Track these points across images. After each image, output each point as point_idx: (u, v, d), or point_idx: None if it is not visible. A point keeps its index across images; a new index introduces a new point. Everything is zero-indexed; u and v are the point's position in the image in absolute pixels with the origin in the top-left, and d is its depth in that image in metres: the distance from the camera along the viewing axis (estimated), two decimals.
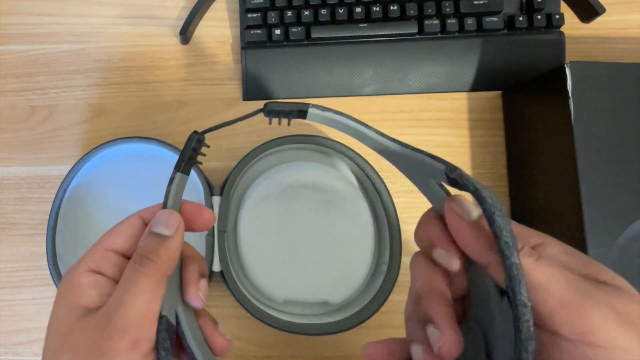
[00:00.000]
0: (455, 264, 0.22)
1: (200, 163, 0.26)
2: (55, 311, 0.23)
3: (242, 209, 0.45)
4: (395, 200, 0.44)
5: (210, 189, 0.44)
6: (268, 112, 0.25)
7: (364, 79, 0.48)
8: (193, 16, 0.48)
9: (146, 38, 0.51)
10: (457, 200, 0.21)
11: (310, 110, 0.25)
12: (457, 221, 0.21)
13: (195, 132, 0.26)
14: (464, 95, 0.48)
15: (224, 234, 0.43)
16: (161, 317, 0.22)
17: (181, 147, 0.46)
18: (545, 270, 0.19)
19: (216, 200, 0.44)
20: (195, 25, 0.50)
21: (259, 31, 0.48)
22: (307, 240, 0.44)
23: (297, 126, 0.49)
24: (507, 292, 0.18)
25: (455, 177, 0.20)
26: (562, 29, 0.47)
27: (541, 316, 0.18)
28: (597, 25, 0.48)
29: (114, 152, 0.45)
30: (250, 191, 0.45)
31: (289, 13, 0.47)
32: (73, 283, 0.23)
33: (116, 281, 0.23)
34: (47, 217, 0.44)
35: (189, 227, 0.26)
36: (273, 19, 0.47)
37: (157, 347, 0.22)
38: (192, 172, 0.44)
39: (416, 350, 0.22)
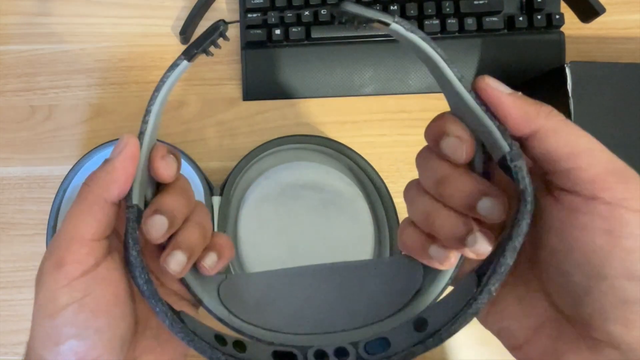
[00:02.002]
0: (465, 153, 0.21)
1: (212, 54, 0.23)
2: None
3: (242, 209, 0.45)
4: (395, 200, 0.44)
5: (210, 189, 0.44)
6: (342, 12, 0.21)
7: (364, 79, 0.48)
8: (193, 16, 0.48)
9: (146, 38, 0.51)
10: (489, 77, 0.22)
11: (393, 26, 0.22)
12: (498, 93, 0.21)
13: (223, 21, 0.21)
14: None
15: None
16: (130, 207, 0.22)
17: (181, 147, 0.46)
18: (593, 139, 0.19)
19: (216, 200, 0.44)
20: (195, 25, 0.50)
21: (259, 31, 0.48)
22: (307, 240, 0.44)
23: (297, 126, 0.49)
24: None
25: (510, 166, 0.19)
26: (562, 29, 0.47)
27: (582, 181, 0.19)
28: (597, 25, 0.48)
29: None
30: (250, 191, 0.45)
31: (289, 13, 0.47)
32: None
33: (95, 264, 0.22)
34: (47, 217, 0.44)
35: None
36: (273, 19, 0.47)
37: (125, 236, 0.21)
38: (192, 172, 0.44)
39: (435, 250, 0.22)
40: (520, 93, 0.20)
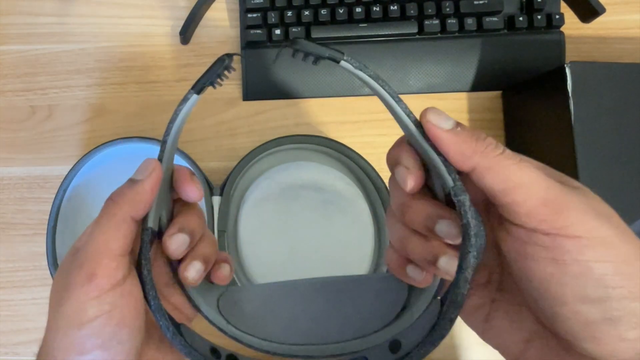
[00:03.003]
0: (410, 183, 0.22)
1: (220, 85, 0.24)
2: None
3: (242, 209, 0.45)
4: None
5: (210, 189, 0.44)
6: (296, 50, 0.22)
7: None
8: (193, 16, 0.48)
9: (146, 38, 0.51)
10: (433, 110, 0.22)
11: (343, 63, 0.23)
12: (437, 130, 0.21)
13: (227, 55, 0.23)
14: (464, 95, 0.48)
15: (224, 234, 0.43)
16: (145, 230, 0.23)
17: (181, 147, 0.46)
18: (527, 171, 0.19)
19: (216, 200, 0.44)
20: (195, 25, 0.50)
21: (259, 31, 0.48)
22: (307, 240, 0.44)
23: (297, 126, 0.49)
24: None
25: (454, 200, 0.20)
26: (562, 29, 0.47)
27: (519, 215, 0.19)
28: (597, 25, 0.48)
29: (114, 152, 0.45)
30: (250, 191, 0.45)
31: (289, 13, 0.47)
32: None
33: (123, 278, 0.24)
34: (47, 217, 0.44)
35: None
36: (273, 19, 0.47)
37: (139, 255, 0.23)
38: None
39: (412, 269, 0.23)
40: (459, 128, 0.21)
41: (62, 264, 0.23)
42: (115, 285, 0.21)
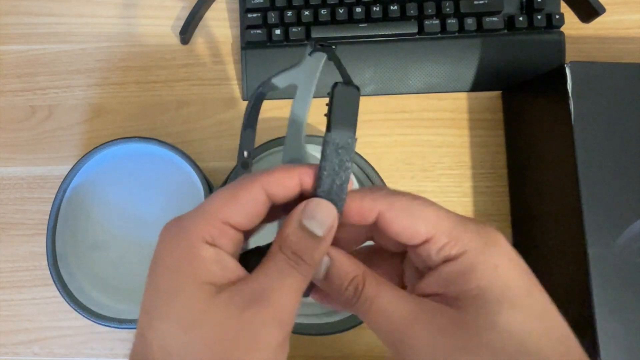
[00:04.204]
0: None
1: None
2: (174, 279, 0.20)
3: None
4: None
5: (210, 189, 0.44)
6: (329, 58, 0.23)
7: (364, 79, 0.48)
8: (193, 16, 0.48)
9: (146, 38, 0.51)
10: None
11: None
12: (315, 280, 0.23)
13: (348, 84, 0.23)
14: (464, 95, 0.48)
15: None
16: None
17: (181, 146, 0.46)
18: (377, 316, 0.21)
19: None
20: (195, 25, 0.50)
21: (259, 31, 0.48)
22: None
23: None
24: None
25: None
26: (562, 29, 0.47)
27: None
28: (597, 25, 0.48)
29: (114, 152, 0.45)
30: None
31: (289, 13, 0.47)
32: (193, 255, 0.20)
33: (233, 256, 0.22)
34: (47, 217, 0.44)
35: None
36: (273, 19, 0.47)
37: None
38: (192, 172, 0.44)
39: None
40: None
41: (213, 304, 0.20)
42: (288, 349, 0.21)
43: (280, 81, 0.26)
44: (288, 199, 0.22)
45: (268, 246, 0.22)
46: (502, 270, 0.20)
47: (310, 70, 0.27)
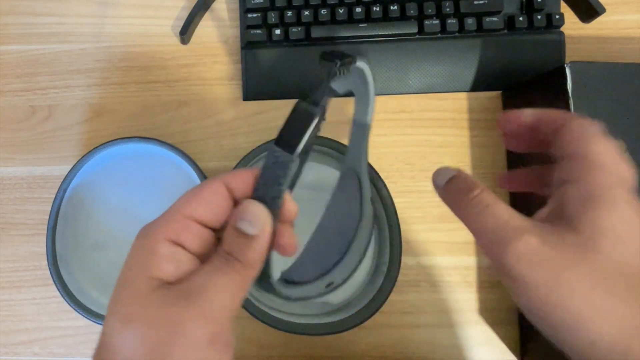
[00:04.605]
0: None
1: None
2: (127, 276, 0.22)
3: None
4: (395, 200, 0.44)
5: None
6: (337, 71, 0.24)
7: None
8: (193, 16, 0.48)
9: (146, 38, 0.51)
10: (437, 171, 0.25)
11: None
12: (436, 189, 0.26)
13: (309, 103, 0.23)
14: (464, 95, 0.48)
15: None
16: None
17: (181, 146, 0.46)
18: (482, 218, 0.22)
19: None
20: (195, 25, 0.50)
21: (259, 31, 0.48)
22: (306, 239, 0.44)
23: None
24: None
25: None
26: (562, 29, 0.47)
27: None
28: (597, 25, 0.48)
29: (114, 152, 0.45)
30: None
31: (289, 13, 0.47)
32: (150, 251, 0.21)
33: (196, 254, 0.22)
34: (47, 217, 0.44)
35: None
36: (273, 19, 0.47)
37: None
38: (192, 172, 0.44)
39: None
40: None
41: (152, 297, 0.20)
42: (228, 347, 0.21)
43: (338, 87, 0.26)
44: (247, 194, 0.23)
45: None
46: (612, 198, 0.20)
47: (360, 77, 0.28)
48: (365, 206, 0.33)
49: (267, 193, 0.22)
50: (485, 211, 0.22)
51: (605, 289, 0.19)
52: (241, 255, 0.21)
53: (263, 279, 0.24)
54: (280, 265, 0.27)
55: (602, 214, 0.20)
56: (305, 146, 0.21)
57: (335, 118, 0.49)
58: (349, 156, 0.31)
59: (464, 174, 0.24)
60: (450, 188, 0.24)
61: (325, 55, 0.24)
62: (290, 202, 0.24)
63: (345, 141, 0.45)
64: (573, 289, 0.19)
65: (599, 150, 0.22)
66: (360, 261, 0.32)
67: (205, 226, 0.23)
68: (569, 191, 0.21)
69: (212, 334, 0.20)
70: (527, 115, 0.26)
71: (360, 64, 0.25)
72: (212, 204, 0.22)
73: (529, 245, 0.20)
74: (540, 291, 0.19)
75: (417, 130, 0.48)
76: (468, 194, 0.23)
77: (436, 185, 0.25)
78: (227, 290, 0.21)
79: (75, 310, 0.42)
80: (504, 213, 0.22)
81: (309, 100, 0.22)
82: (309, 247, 0.31)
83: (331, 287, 0.30)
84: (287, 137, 0.22)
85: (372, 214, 0.30)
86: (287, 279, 0.29)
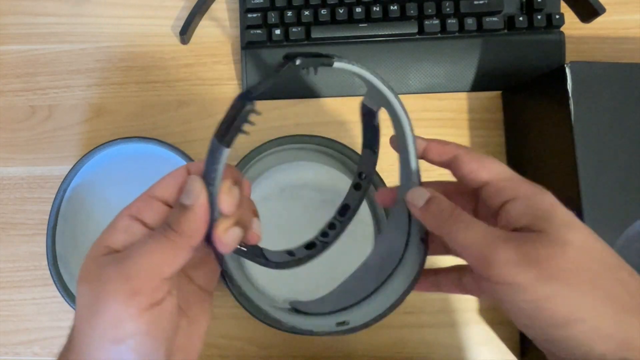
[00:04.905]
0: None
1: (248, 133, 0.24)
2: (92, 246, 0.25)
3: None
4: None
5: None
6: (297, 66, 0.25)
7: None
8: (193, 16, 0.48)
9: (146, 38, 0.51)
10: (412, 191, 0.28)
11: (336, 64, 0.26)
12: (413, 209, 0.27)
13: (245, 98, 0.24)
14: (464, 95, 0.48)
15: None
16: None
17: (181, 146, 0.46)
18: (469, 233, 0.24)
19: None
20: (195, 25, 0.50)
21: (259, 31, 0.48)
22: (306, 240, 0.44)
23: (297, 126, 0.49)
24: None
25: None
26: (562, 29, 0.47)
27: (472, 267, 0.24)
28: (597, 25, 0.48)
29: (114, 152, 0.45)
30: (250, 191, 0.45)
31: (289, 13, 0.47)
32: (112, 225, 0.25)
33: (156, 228, 0.24)
34: (47, 217, 0.44)
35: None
36: (273, 19, 0.47)
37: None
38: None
39: None
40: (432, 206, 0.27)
41: (97, 261, 0.23)
42: (154, 304, 0.22)
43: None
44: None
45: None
46: (558, 208, 0.24)
47: (378, 88, 0.29)
48: (412, 245, 0.29)
49: (207, 174, 0.24)
50: (469, 227, 0.24)
51: (580, 278, 0.22)
52: (175, 224, 0.23)
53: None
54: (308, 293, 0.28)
55: (557, 214, 0.23)
56: (235, 136, 0.23)
57: (335, 118, 0.49)
58: (401, 189, 0.30)
59: (441, 195, 0.26)
60: (433, 208, 0.26)
61: (289, 54, 0.25)
62: (246, 183, 0.27)
63: (345, 141, 0.45)
64: (554, 283, 0.21)
65: (496, 167, 0.26)
66: (391, 309, 0.28)
67: (166, 204, 0.25)
68: (515, 207, 0.24)
69: (132, 290, 0.21)
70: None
71: (342, 64, 0.25)
72: (171, 184, 0.25)
73: (512, 250, 0.22)
74: (528, 291, 0.21)
75: (417, 130, 0.47)
76: (452, 213, 0.25)
77: (413, 205, 0.27)
78: (154, 254, 0.22)
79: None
80: (484, 227, 0.24)
81: (244, 94, 0.24)
82: (342, 283, 0.31)
83: (343, 327, 0.27)
84: (222, 129, 0.24)
85: (422, 255, 0.28)
86: (297, 308, 0.29)
